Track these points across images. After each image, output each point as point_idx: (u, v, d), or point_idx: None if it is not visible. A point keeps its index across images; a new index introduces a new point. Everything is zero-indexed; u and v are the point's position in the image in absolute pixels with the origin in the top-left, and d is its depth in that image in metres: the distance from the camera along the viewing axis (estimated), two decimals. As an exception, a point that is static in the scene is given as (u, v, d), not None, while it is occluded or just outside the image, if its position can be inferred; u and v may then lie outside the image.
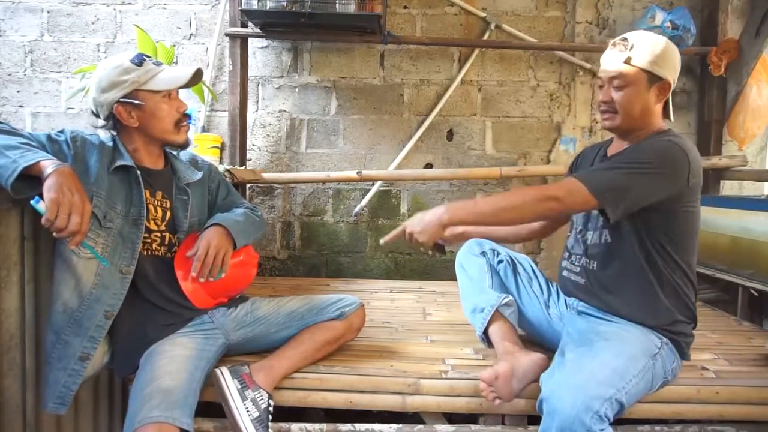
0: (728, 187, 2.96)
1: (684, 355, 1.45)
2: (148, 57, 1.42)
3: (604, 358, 1.27)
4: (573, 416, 1.13)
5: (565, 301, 1.59)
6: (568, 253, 1.59)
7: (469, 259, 1.72)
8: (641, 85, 1.35)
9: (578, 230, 1.55)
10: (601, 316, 1.45)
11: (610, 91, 1.38)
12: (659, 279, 1.39)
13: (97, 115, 1.41)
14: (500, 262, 1.69)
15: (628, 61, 1.34)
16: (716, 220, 2.48)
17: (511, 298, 1.60)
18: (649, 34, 1.38)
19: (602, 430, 1.14)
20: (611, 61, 1.38)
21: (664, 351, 1.37)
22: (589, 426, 1.12)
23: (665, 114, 1.44)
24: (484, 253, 1.71)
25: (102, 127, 1.43)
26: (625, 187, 1.30)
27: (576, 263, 1.54)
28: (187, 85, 1.46)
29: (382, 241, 1.44)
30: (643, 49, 1.34)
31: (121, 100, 1.37)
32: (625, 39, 1.37)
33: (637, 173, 1.31)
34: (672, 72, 1.37)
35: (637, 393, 1.27)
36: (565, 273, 1.60)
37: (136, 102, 1.38)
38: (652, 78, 1.35)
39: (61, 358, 1.28)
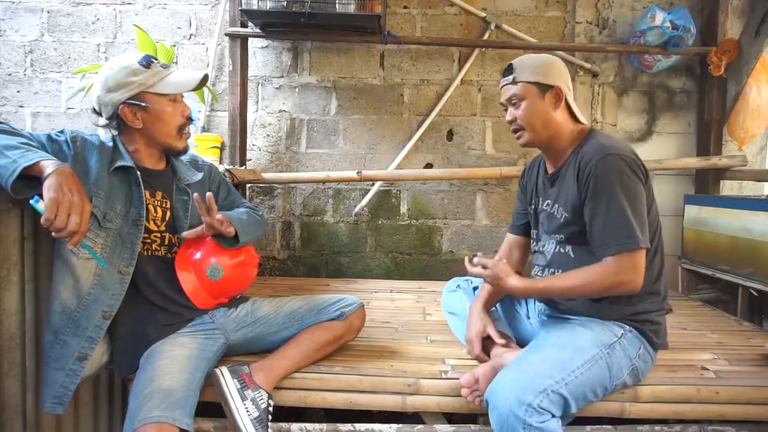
0: (728, 187, 2.95)
1: (654, 343, 1.44)
2: (155, 59, 1.42)
3: (547, 352, 1.31)
4: (507, 411, 1.16)
5: (537, 308, 1.64)
6: (534, 265, 1.63)
7: (448, 298, 1.87)
8: (533, 96, 1.45)
9: (536, 244, 1.60)
10: (563, 317, 1.50)
11: (512, 111, 1.49)
12: None
13: (99, 114, 1.41)
14: (475, 288, 1.77)
15: (514, 81, 1.47)
16: (716, 220, 2.48)
17: (492, 310, 1.66)
18: (528, 55, 1.52)
19: (542, 422, 1.14)
20: (504, 87, 1.50)
21: (626, 339, 1.38)
22: (524, 419, 1.14)
23: (575, 117, 1.50)
24: (458, 286, 1.86)
25: (104, 126, 1.43)
26: (639, 214, 1.34)
27: (541, 274, 1.56)
28: (193, 89, 1.46)
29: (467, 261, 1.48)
30: (523, 66, 1.46)
31: (128, 101, 1.37)
32: (509, 65, 1.49)
33: (630, 198, 1.33)
34: (558, 78, 1.46)
35: (586, 383, 1.26)
36: None
37: (143, 104, 1.38)
38: (542, 87, 1.45)
39: (59, 358, 1.28)
